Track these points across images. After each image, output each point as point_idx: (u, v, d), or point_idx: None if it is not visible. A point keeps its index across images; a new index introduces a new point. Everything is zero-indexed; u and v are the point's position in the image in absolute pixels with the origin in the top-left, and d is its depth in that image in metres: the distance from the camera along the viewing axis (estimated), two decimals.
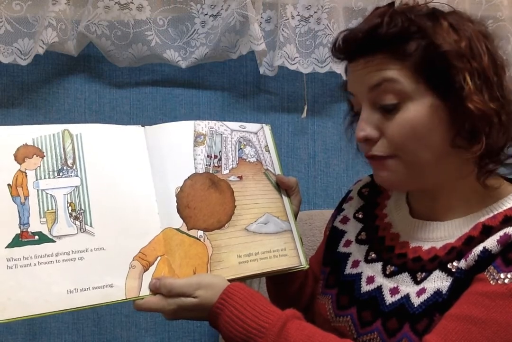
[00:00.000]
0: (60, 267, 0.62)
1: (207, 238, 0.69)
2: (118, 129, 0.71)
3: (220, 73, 1.15)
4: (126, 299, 0.64)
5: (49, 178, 0.65)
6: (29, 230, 0.62)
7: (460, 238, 0.66)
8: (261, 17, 1.10)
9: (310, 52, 1.12)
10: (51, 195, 0.64)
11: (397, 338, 0.65)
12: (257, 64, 1.09)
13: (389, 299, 0.69)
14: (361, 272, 0.74)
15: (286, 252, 0.73)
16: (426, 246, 0.69)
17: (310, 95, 1.18)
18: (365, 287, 0.72)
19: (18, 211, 0.62)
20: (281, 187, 0.77)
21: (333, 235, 0.83)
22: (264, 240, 0.72)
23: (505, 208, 0.64)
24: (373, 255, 0.75)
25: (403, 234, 0.74)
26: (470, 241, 0.64)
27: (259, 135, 0.79)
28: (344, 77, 1.13)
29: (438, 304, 0.63)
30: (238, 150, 0.76)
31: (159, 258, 0.67)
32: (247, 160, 0.76)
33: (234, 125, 0.78)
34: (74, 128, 0.68)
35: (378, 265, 0.73)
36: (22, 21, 0.99)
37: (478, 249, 0.61)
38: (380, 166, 0.67)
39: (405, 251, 0.71)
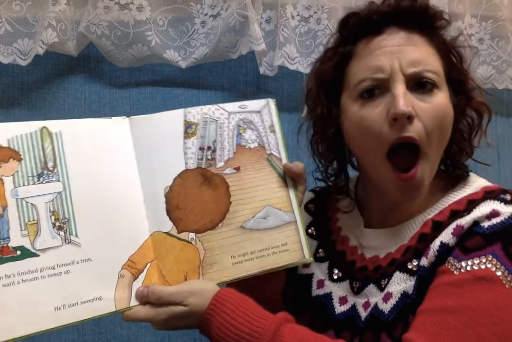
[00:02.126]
0: (45, 283, 0.58)
1: (199, 240, 0.66)
2: (101, 123, 0.66)
3: (220, 73, 1.15)
4: (116, 311, 0.61)
5: (28, 184, 0.59)
6: (9, 245, 0.57)
7: (413, 237, 0.67)
8: (261, 17, 1.10)
9: (310, 52, 1.12)
10: (31, 203, 0.59)
11: None
12: (257, 64, 1.09)
13: (363, 314, 0.68)
14: (330, 292, 0.73)
15: (287, 247, 0.69)
16: (382, 254, 0.70)
17: None
18: (339, 308, 0.71)
19: None
20: (287, 176, 0.71)
21: None
22: (262, 237, 0.68)
23: (450, 202, 0.66)
24: (339, 273, 0.74)
25: (359, 246, 0.73)
26: (423, 238, 0.65)
27: (263, 114, 0.72)
28: None
29: (408, 305, 0.63)
30: (237, 136, 0.70)
31: (148, 264, 0.64)
32: (247, 147, 0.70)
33: (233, 106, 0.71)
34: (53, 125, 0.62)
35: (346, 284, 0.72)
36: (22, 22, 0.99)
37: (436, 244, 0.62)
38: (414, 189, 0.64)
39: (365, 264, 0.71)
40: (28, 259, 0.58)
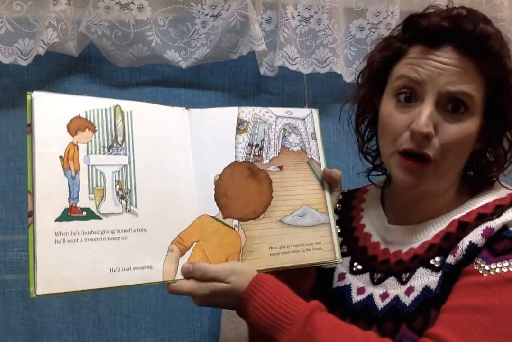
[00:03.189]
0: (105, 245, 0.62)
1: (241, 228, 0.70)
2: (166, 110, 0.70)
3: (221, 74, 1.15)
4: (163, 281, 0.65)
5: (99, 153, 0.64)
6: (77, 205, 0.61)
7: (437, 235, 0.69)
8: (262, 18, 1.10)
9: (310, 52, 1.12)
10: (100, 171, 0.63)
11: (396, 340, 0.66)
12: (258, 64, 1.09)
13: (380, 304, 0.71)
14: (350, 284, 0.76)
15: (320, 246, 0.73)
16: (405, 249, 0.72)
17: (310, 95, 1.18)
18: (356, 298, 0.75)
19: (69, 184, 0.61)
20: (325, 180, 0.76)
21: None
22: (299, 233, 0.72)
23: (478, 206, 0.69)
24: (358, 266, 0.77)
25: (382, 242, 0.76)
26: (448, 237, 0.68)
27: (306, 121, 0.77)
28: (344, 78, 1.14)
29: (430, 299, 0.65)
30: (282, 138, 0.75)
31: (194, 243, 0.68)
32: (290, 149, 0.75)
33: (280, 111, 0.76)
34: (125, 105, 0.67)
35: (366, 276, 0.75)
36: (23, 21, 0.99)
37: (465, 243, 0.64)
38: (415, 172, 0.66)
39: (387, 257, 0.74)
40: (92, 221, 0.62)
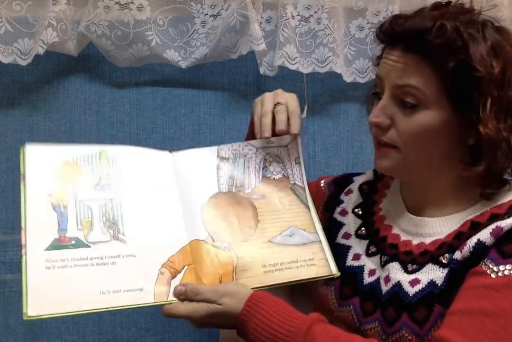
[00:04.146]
0: (94, 269, 0.66)
1: (232, 249, 0.72)
2: (149, 154, 0.77)
3: (220, 73, 1.15)
4: (155, 302, 0.67)
5: (86, 190, 0.70)
6: (66, 235, 0.66)
7: (450, 234, 0.70)
8: (261, 17, 1.09)
9: (310, 52, 1.12)
10: (88, 205, 0.69)
11: (396, 327, 0.68)
12: (257, 64, 1.09)
13: (384, 288, 0.72)
14: (363, 265, 0.78)
15: (314, 262, 0.74)
16: (415, 241, 0.73)
17: (310, 95, 1.18)
18: (367, 279, 0.76)
19: (58, 218, 0.67)
20: (310, 202, 0.79)
21: (331, 226, 0.85)
22: (290, 251, 0.74)
23: (492, 206, 0.69)
24: (373, 249, 0.78)
25: (395, 226, 0.78)
26: (460, 236, 0.68)
27: (290, 148, 0.80)
28: (344, 78, 1.14)
29: (435, 294, 0.66)
30: (262, 169, 0.79)
31: (186, 267, 0.70)
32: (272, 178, 0.79)
33: (260, 142, 0.79)
34: (110, 149, 0.74)
35: (377, 258, 0.77)
36: (22, 21, 0.99)
37: (473, 241, 0.65)
38: (383, 154, 0.72)
39: (396, 242, 0.75)
40: (81, 249, 0.66)
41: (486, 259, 0.62)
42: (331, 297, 0.79)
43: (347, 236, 0.83)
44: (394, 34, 0.70)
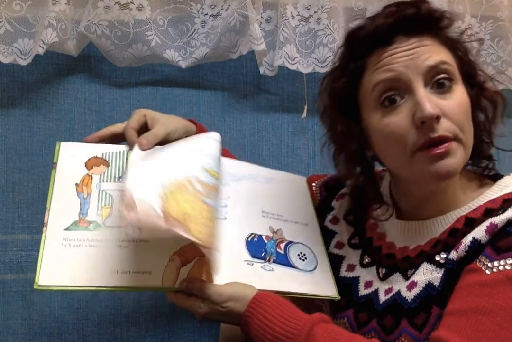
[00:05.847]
0: (106, 250, 0.69)
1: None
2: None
3: (220, 73, 1.15)
4: (161, 287, 0.68)
5: (110, 181, 0.74)
6: (86, 218, 0.70)
7: (444, 232, 0.68)
8: (261, 17, 1.10)
9: (310, 52, 1.12)
10: (110, 194, 0.73)
11: (395, 335, 0.67)
12: (257, 64, 1.09)
13: (382, 298, 0.71)
14: (358, 277, 0.76)
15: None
16: (412, 245, 0.72)
17: (310, 95, 1.18)
18: (363, 291, 0.75)
19: (80, 203, 0.71)
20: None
21: (323, 234, 0.83)
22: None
23: (485, 201, 0.67)
24: (367, 259, 0.77)
25: (389, 234, 0.76)
26: (454, 233, 0.67)
27: None
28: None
29: (432, 296, 0.65)
30: None
31: (197, 258, 0.70)
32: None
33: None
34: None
35: (373, 269, 0.75)
36: (22, 21, 0.99)
37: (468, 239, 0.63)
38: (446, 152, 0.63)
39: (392, 252, 0.74)
40: (97, 231, 0.70)
41: (481, 255, 0.61)
42: (325, 309, 0.79)
43: (340, 245, 0.82)
44: (403, 22, 0.66)
